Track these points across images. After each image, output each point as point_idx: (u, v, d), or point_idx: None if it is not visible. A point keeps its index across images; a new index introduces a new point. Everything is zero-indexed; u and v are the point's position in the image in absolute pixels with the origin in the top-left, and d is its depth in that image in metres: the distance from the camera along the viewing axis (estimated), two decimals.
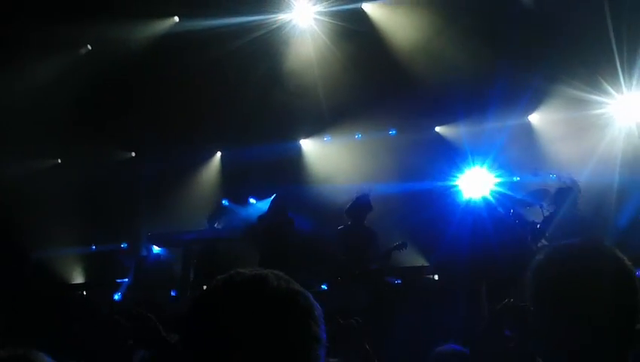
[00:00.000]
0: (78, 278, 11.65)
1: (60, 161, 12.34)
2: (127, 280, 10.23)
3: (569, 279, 1.78)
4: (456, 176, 10.05)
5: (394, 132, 11.87)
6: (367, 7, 10.61)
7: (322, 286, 10.00)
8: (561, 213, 8.44)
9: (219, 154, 12.36)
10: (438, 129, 11.82)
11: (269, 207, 8.98)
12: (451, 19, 10.19)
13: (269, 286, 1.52)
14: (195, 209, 11.21)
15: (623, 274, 1.78)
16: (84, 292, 11.01)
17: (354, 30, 10.55)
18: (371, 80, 10.80)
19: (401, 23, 10.47)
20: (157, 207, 11.28)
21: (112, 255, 11.27)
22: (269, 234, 8.71)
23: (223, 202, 11.66)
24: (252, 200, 11.90)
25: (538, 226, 8.69)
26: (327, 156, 11.98)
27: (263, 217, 9.01)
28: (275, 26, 10.70)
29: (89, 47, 11.41)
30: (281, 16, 10.70)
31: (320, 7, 10.59)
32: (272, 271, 1.57)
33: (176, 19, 10.97)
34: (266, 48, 10.82)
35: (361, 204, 8.74)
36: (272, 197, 9.11)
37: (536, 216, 9.05)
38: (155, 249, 10.54)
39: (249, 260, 9.08)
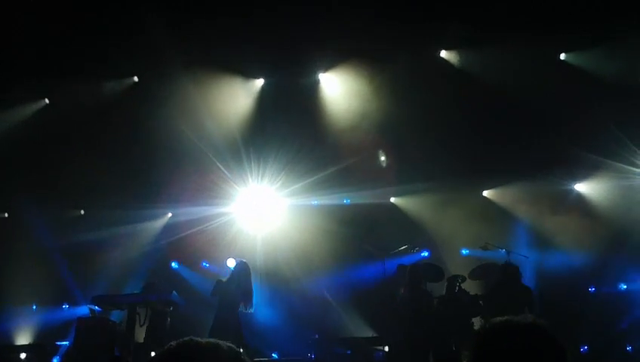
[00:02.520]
0: (22, 339, 11.18)
1: (6, 215, 12.00)
2: (67, 342, 9.87)
3: (507, 354, 1.82)
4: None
5: (348, 201, 12.00)
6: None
7: (273, 355, 9.91)
8: (503, 288, 8.61)
9: (169, 214, 12.23)
10: (392, 199, 12.03)
11: (232, 273, 8.96)
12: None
13: (222, 352, 1.56)
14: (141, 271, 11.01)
15: (556, 351, 1.84)
16: (22, 356, 10.52)
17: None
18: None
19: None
20: (100, 267, 11.01)
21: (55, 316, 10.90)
22: (222, 298, 8.68)
23: (172, 265, 11.49)
24: (205, 264, 11.80)
25: (481, 301, 8.86)
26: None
27: (222, 282, 8.97)
28: None
29: (46, 100, 11.34)
30: None
31: None
32: (224, 342, 1.63)
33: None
34: None
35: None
36: (237, 263, 9.11)
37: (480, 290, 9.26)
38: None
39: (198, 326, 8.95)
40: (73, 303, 11.06)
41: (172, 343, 1.62)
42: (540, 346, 1.83)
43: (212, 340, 1.63)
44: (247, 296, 8.73)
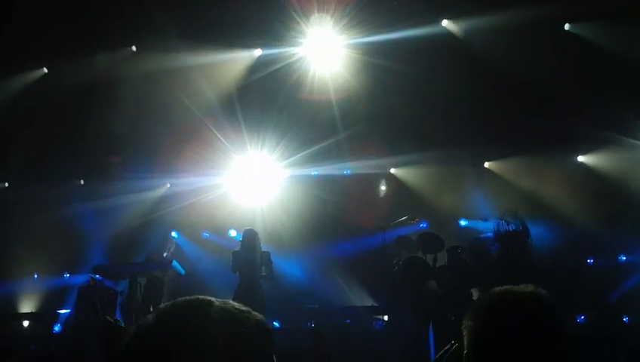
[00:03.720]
0: (24, 308, 11.29)
1: (6, 185, 12.00)
2: (67, 310, 9.97)
3: (506, 324, 1.83)
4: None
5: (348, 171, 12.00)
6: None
7: (274, 324, 10.02)
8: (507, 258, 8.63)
9: (168, 185, 12.23)
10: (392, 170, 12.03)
11: (242, 242, 9.05)
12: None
13: (213, 306, 1.43)
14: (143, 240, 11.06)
15: (555, 321, 1.85)
16: (25, 324, 10.64)
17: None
18: None
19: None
20: (103, 237, 11.06)
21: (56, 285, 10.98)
22: (244, 269, 8.80)
23: (173, 234, 11.53)
24: (205, 234, 11.86)
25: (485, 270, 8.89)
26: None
27: (237, 253, 9.06)
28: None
29: (45, 70, 11.28)
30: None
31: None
32: (236, 305, 1.46)
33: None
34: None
35: None
36: (244, 231, 9.19)
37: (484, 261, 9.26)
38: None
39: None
40: (74, 272, 11.11)
41: (161, 305, 1.47)
42: (538, 315, 1.84)
43: (204, 296, 1.46)
44: (266, 262, 8.89)
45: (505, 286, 1.90)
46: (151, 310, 9.57)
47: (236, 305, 1.47)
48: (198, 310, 1.42)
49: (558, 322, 1.84)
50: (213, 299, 1.46)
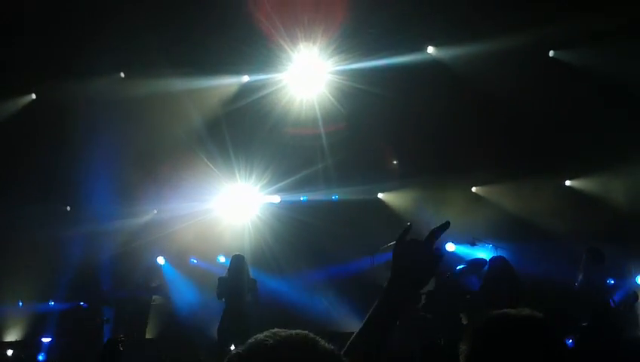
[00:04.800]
0: (9, 336, 11.10)
1: None
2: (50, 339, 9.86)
3: (504, 349, 1.80)
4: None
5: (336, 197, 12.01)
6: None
7: None
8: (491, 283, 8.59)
9: (155, 211, 12.15)
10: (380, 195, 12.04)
11: (229, 268, 9.01)
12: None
13: (320, 347, 1.43)
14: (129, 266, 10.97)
15: (555, 344, 1.82)
16: (8, 352, 10.49)
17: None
18: None
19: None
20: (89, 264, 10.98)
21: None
22: (229, 295, 8.75)
23: (159, 261, 11.45)
24: (193, 261, 11.78)
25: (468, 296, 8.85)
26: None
27: (223, 279, 9.00)
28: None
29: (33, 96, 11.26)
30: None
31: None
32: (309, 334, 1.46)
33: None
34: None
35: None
36: (232, 257, 9.15)
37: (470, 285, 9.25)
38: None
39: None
40: (59, 299, 10.97)
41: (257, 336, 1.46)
42: (537, 339, 1.81)
43: (303, 332, 1.46)
44: (252, 288, 8.82)
45: (501, 310, 1.87)
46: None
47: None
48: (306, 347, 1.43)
49: (558, 346, 1.81)
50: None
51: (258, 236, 11.64)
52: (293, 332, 1.45)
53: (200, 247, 11.64)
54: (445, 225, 1.87)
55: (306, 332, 1.47)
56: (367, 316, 1.85)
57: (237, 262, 8.98)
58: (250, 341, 1.45)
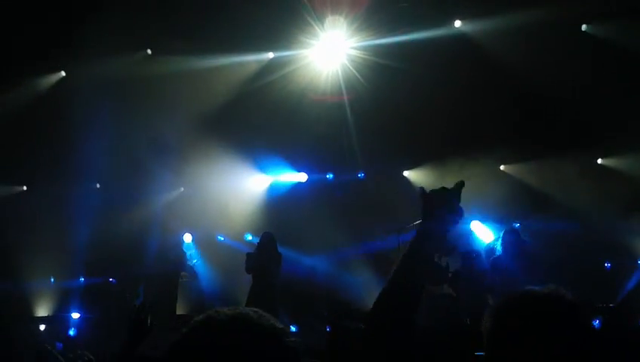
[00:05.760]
0: (41, 311, 11.36)
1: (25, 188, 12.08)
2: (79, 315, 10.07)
3: (527, 328, 1.75)
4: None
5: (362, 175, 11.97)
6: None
7: (291, 328, 10.01)
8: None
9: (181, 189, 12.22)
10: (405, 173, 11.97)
11: (259, 244, 9.10)
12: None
13: (253, 323, 1.43)
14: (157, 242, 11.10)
15: (582, 325, 1.76)
16: (41, 327, 10.71)
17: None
18: None
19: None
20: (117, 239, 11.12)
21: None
22: (258, 271, 8.82)
23: (185, 238, 11.54)
24: (220, 238, 11.87)
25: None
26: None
27: (252, 254, 9.09)
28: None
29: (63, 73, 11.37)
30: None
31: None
32: (252, 309, 1.47)
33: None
34: None
35: None
36: (262, 234, 9.25)
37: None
38: None
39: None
40: (89, 275, 11.15)
41: (196, 318, 1.47)
42: (559, 316, 1.75)
43: (240, 309, 1.46)
44: (278, 263, 8.89)
45: (525, 289, 1.82)
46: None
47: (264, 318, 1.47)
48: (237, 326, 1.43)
49: (582, 323, 1.75)
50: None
51: (285, 213, 11.67)
52: (232, 311, 1.46)
53: (227, 225, 11.72)
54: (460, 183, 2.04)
55: (253, 309, 1.47)
56: (393, 271, 1.96)
57: (266, 239, 9.04)
58: (190, 323, 1.46)
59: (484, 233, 10.37)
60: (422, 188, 2.07)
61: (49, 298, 11.36)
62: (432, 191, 2.06)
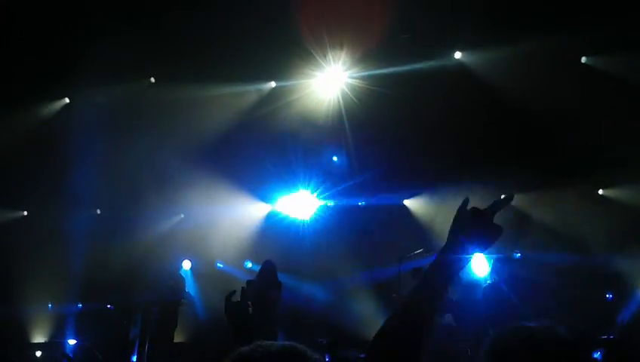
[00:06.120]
0: (38, 337, 11.27)
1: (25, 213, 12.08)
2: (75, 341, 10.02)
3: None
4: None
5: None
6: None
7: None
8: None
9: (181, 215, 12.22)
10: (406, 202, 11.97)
11: (260, 272, 9.04)
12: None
13: (301, 355, 1.44)
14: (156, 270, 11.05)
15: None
16: (38, 354, 10.63)
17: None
18: None
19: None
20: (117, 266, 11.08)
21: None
22: (258, 299, 8.74)
23: (184, 265, 11.50)
24: (219, 265, 11.83)
25: None
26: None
27: (252, 282, 9.03)
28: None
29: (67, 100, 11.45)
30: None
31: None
32: (298, 345, 1.48)
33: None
34: None
35: None
36: (263, 262, 9.18)
37: None
38: None
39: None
40: (87, 301, 11.09)
41: (241, 350, 1.46)
42: (555, 353, 1.73)
43: (287, 345, 1.46)
44: (278, 291, 8.83)
45: (522, 325, 1.80)
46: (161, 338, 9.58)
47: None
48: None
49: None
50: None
51: (284, 241, 11.64)
52: (281, 344, 1.44)
53: (227, 252, 11.69)
54: (509, 198, 1.93)
55: (295, 344, 1.46)
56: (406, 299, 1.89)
57: (267, 267, 9.02)
58: (235, 353, 1.43)
59: (480, 264, 10.30)
60: (466, 200, 1.95)
61: (46, 324, 11.29)
62: (475, 211, 1.92)
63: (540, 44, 9.72)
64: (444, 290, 1.90)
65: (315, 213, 11.95)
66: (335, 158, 11.76)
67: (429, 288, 1.86)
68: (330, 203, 12.19)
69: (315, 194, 11.88)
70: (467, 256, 1.87)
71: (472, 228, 1.87)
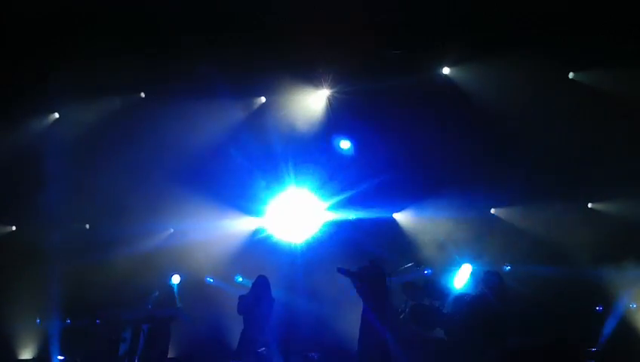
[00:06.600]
0: (25, 354, 11.20)
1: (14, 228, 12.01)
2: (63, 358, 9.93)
3: None
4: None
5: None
6: None
7: None
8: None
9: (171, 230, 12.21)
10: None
11: (253, 287, 9.10)
12: None
13: None
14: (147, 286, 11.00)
15: None
16: None
17: None
18: None
19: None
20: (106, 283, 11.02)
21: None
22: (250, 314, 8.78)
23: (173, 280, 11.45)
24: (209, 280, 11.79)
25: None
26: None
27: (245, 297, 9.06)
28: None
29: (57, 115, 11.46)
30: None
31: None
32: None
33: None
34: None
35: None
36: (257, 278, 9.24)
37: None
38: None
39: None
40: (75, 317, 11.00)
41: None
42: None
43: None
44: (269, 309, 8.85)
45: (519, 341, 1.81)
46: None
47: None
48: None
49: None
50: None
51: (274, 256, 11.64)
52: None
53: (216, 267, 11.65)
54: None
55: None
56: None
57: (260, 282, 9.05)
58: None
59: (466, 276, 10.33)
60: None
61: (34, 340, 11.20)
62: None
63: (527, 60, 9.85)
64: None
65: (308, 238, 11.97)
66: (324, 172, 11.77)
67: None
68: (321, 218, 12.20)
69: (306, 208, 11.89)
70: None
71: None
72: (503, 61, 10.06)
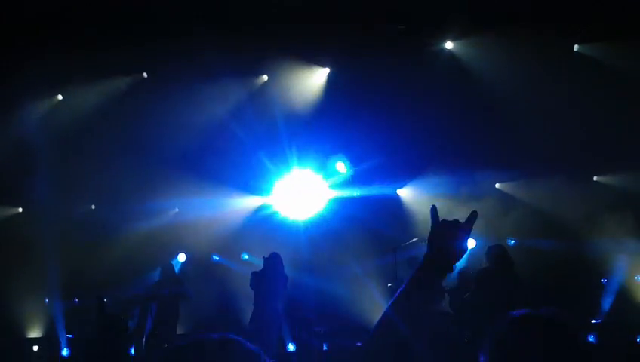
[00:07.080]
0: (34, 333, 11.29)
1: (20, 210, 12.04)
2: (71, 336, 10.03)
3: (526, 352, 1.76)
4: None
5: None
6: None
7: (289, 348, 10.04)
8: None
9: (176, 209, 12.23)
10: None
11: (265, 263, 9.09)
12: None
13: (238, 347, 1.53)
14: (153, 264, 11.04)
15: (580, 344, 1.78)
16: (35, 348, 10.64)
17: None
18: None
19: None
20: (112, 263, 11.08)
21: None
22: (262, 291, 8.79)
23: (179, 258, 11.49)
24: (215, 258, 11.84)
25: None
26: None
27: (258, 273, 9.07)
28: None
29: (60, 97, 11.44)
30: None
31: None
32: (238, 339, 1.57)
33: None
34: None
35: None
36: (270, 254, 9.24)
37: None
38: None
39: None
40: (83, 296, 11.08)
41: (182, 341, 1.58)
42: (562, 339, 1.76)
43: (226, 337, 1.58)
44: (283, 287, 8.85)
45: (522, 311, 1.83)
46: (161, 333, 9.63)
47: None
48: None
49: (585, 345, 1.76)
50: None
51: (280, 233, 11.67)
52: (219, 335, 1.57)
53: (223, 245, 11.70)
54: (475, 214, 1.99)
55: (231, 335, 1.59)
56: (399, 291, 1.94)
57: (273, 259, 9.04)
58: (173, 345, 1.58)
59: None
60: (434, 208, 2.00)
61: (42, 318, 11.30)
62: (444, 222, 1.97)
63: (532, 32, 9.75)
64: (432, 291, 1.96)
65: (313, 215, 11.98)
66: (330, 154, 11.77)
67: (418, 290, 1.93)
68: (326, 195, 12.22)
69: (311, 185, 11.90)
70: (452, 263, 1.94)
71: (455, 238, 1.93)
72: (505, 36, 9.96)
